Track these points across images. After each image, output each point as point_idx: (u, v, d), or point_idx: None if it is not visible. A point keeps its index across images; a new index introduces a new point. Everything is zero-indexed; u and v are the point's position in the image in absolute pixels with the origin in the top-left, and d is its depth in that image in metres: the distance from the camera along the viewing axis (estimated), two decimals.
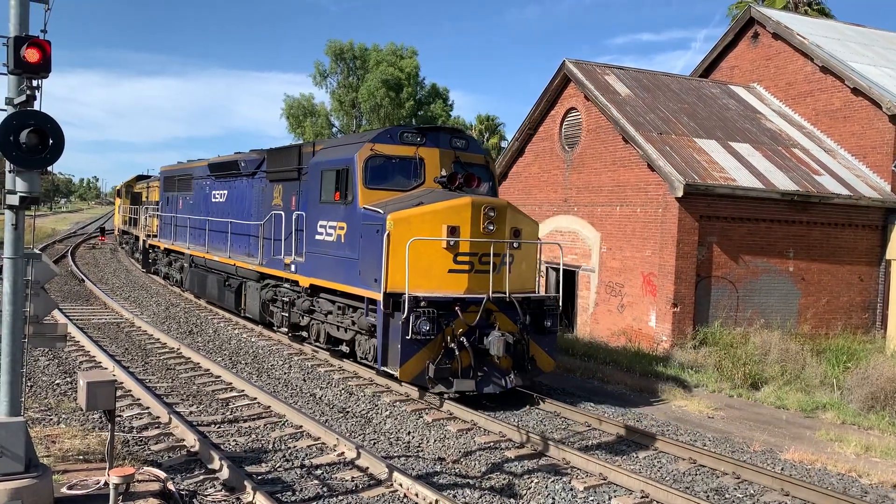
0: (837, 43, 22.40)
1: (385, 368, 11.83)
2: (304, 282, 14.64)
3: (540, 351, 12.45)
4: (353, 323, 13.06)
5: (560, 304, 13.14)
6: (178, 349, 14.98)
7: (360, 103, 34.63)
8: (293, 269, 15.12)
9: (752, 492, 8.60)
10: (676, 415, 12.24)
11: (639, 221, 17.88)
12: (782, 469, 9.49)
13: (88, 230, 62.10)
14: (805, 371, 15.07)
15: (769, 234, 17.66)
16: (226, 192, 20.01)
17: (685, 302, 16.72)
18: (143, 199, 32.97)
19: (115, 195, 51.14)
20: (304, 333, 15.36)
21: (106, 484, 6.70)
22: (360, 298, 12.60)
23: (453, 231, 11.66)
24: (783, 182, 17.87)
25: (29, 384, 11.79)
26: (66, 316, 17.67)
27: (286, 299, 15.83)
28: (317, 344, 14.91)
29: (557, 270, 21.11)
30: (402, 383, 12.24)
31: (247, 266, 17.59)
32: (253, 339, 16.83)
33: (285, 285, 15.89)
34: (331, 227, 13.74)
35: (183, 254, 23.36)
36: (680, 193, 16.39)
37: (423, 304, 11.29)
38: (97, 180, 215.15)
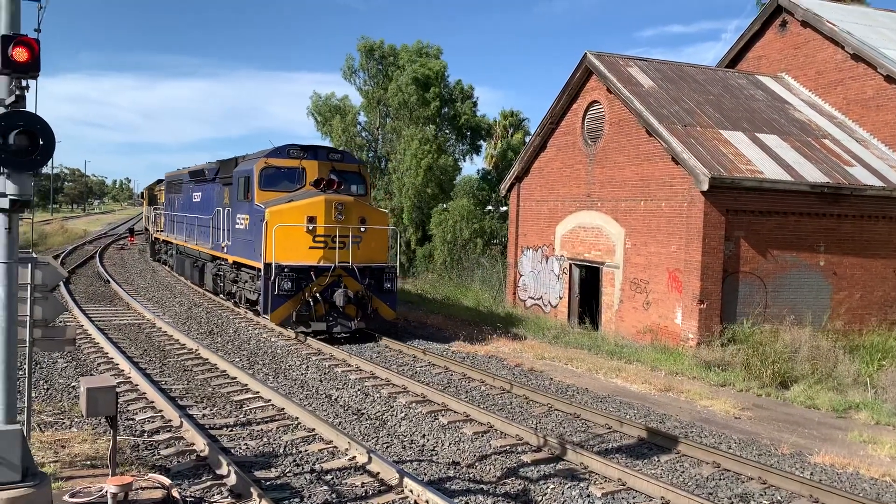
0: (869, 29, 21.68)
1: (265, 315, 16.69)
2: (231, 259, 19.71)
3: (382, 304, 17.19)
4: (257, 287, 17.45)
5: (397, 271, 18.06)
6: (197, 350, 14.91)
7: (387, 100, 34.46)
8: (225, 250, 20.06)
9: (778, 498, 8.24)
10: (701, 415, 11.86)
11: (664, 216, 17.45)
12: (811, 474, 9.10)
13: (119, 231, 62.84)
14: (837, 369, 14.57)
15: (798, 227, 17.11)
16: (200, 193, 24.23)
17: (712, 298, 16.27)
18: (158, 200, 36.58)
19: (142, 197, 53.17)
20: (236, 299, 20.08)
21: None
22: (256, 269, 17.26)
23: (311, 220, 16.50)
24: (813, 174, 17.31)
25: (45, 387, 11.79)
26: (88, 317, 17.72)
27: (223, 273, 20.92)
28: (245, 306, 19.54)
29: (581, 267, 20.78)
30: (274, 323, 17.10)
31: (204, 250, 22.63)
32: (272, 339, 16.74)
33: (223, 263, 20.82)
34: (242, 219, 18.61)
35: (172, 243, 28.94)
36: (705, 187, 15.94)
37: (286, 270, 16.10)
38: (129, 182, 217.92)
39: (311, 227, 16.43)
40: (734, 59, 24.42)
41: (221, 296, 21.47)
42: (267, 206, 16.73)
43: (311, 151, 18.19)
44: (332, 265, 16.43)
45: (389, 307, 17.33)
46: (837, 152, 18.70)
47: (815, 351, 15.03)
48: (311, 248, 16.52)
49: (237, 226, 18.93)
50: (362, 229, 16.89)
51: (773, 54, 23.11)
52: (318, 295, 16.32)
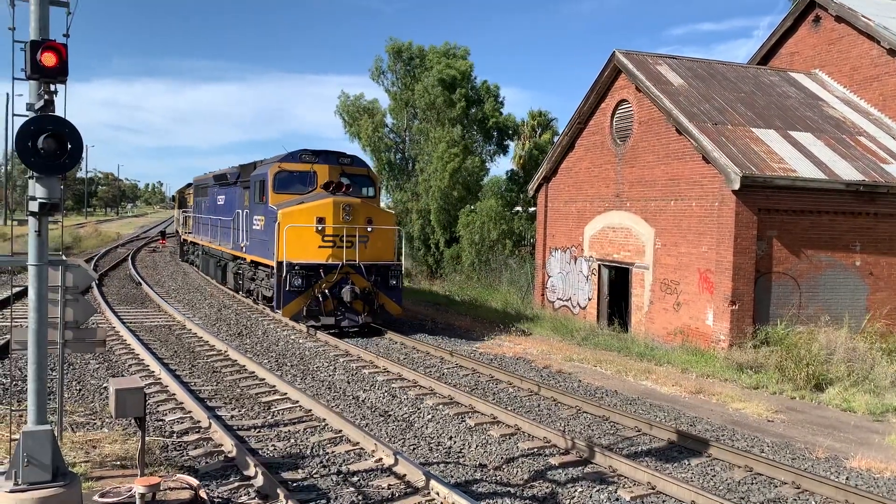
0: None
1: (278, 310, 17.73)
2: (248, 258, 20.88)
3: (388, 300, 18.18)
4: (271, 284, 18.43)
5: (402, 268, 19.18)
6: (226, 351, 15.02)
7: (414, 101, 34.43)
8: (244, 249, 21.19)
9: (813, 503, 8.05)
10: (733, 418, 11.65)
11: (694, 216, 17.21)
12: (847, 478, 8.89)
13: (151, 234, 63.70)
14: (874, 371, 14.22)
15: (833, 226, 16.77)
16: (224, 196, 25.31)
17: (744, 299, 16.00)
18: (188, 203, 37.64)
19: (174, 200, 54.22)
20: (254, 296, 21.24)
21: None
22: (271, 267, 18.25)
23: (321, 220, 17.49)
24: (848, 172, 16.95)
25: (78, 388, 11.95)
26: (120, 319, 17.96)
27: (242, 272, 22.12)
28: (262, 303, 20.68)
29: (610, 268, 20.59)
30: (291, 320, 18.35)
31: (226, 250, 23.97)
32: (301, 341, 16.82)
33: (242, 262, 21.97)
34: (258, 220, 19.69)
35: (199, 244, 30.42)
36: (737, 186, 15.68)
37: (297, 267, 17.15)
38: (161, 185, 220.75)
39: (320, 228, 17.51)
40: (766, 56, 24.04)
41: (241, 293, 22.66)
42: (279, 208, 17.87)
43: (321, 156, 19.31)
44: (340, 263, 17.50)
45: (395, 303, 18.35)
46: (873, 149, 18.31)
47: (852, 353, 14.70)
48: (320, 246, 17.57)
49: (254, 226, 20.10)
50: (369, 229, 17.93)
51: (806, 50, 22.71)
52: (326, 291, 17.41)
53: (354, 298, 17.54)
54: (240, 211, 21.90)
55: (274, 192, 18.85)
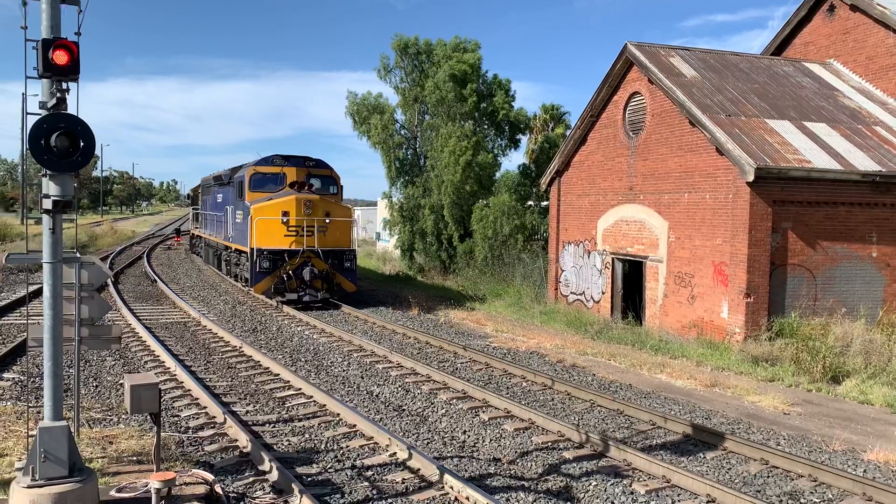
0: None
1: (251, 288, 21.51)
2: (233, 247, 24.79)
3: (344, 280, 21.81)
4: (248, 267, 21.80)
5: (356, 253, 22.98)
6: (240, 347, 15.09)
7: (424, 97, 34.24)
8: (230, 240, 25.15)
9: (830, 496, 7.99)
10: (749, 411, 11.58)
11: (708, 208, 17.09)
12: (865, 471, 8.81)
13: (166, 231, 64.04)
14: (891, 363, 14.08)
15: (849, 218, 16.61)
16: (221, 195, 28.35)
17: (759, 292, 15.88)
18: (198, 201, 39.71)
19: (188, 198, 55.29)
20: (240, 280, 24.25)
21: None
22: (247, 253, 21.73)
23: (285, 214, 21.13)
24: (864, 162, 16.78)
25: (94, 384, 12.04)
26: (136, 316, 18.07)
27: (230, 259, 25.95)
28: (241, 283, 24.08)
29: (623, 262, 20.50)
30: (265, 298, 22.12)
31: (220, 241, 27.79)
32: (314, 336, 16.87)
33: (230, 250, 25.79)
34: (239, 214, 23.27)
35: (203, 237, 34.44)
36: (751, 178, 15.56)
37: (265, 252, 20.85)
38: (176, 183, 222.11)
39: (284, 220, 21.07)
40: (780, 47, 23.81)
41: (230, 277, 26.35)
42: (252, 204, 21.51)
43: (291, 160, 22.90)
44: (302, 249, 21.12)
45: (350, 282, 22.01)
46: (890, 139, 18.10)
47: (869, 345, 14.56)
48: (285, 235, 21.09)
49: (236, 220, 23.85)
50: (327, 221, 21.43)
51: (820, 40, 22.47)
52: (290, 272, 21.02)
53: (314, 278, 21.12)
54: (228, 207, 25.42)
55: (249, 191, 22.34)
